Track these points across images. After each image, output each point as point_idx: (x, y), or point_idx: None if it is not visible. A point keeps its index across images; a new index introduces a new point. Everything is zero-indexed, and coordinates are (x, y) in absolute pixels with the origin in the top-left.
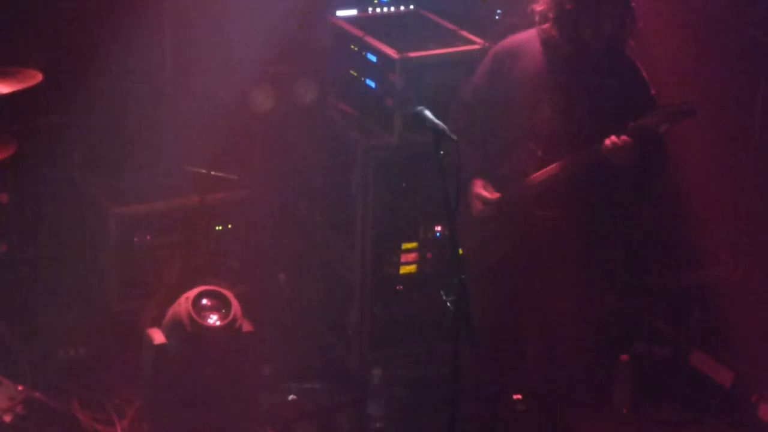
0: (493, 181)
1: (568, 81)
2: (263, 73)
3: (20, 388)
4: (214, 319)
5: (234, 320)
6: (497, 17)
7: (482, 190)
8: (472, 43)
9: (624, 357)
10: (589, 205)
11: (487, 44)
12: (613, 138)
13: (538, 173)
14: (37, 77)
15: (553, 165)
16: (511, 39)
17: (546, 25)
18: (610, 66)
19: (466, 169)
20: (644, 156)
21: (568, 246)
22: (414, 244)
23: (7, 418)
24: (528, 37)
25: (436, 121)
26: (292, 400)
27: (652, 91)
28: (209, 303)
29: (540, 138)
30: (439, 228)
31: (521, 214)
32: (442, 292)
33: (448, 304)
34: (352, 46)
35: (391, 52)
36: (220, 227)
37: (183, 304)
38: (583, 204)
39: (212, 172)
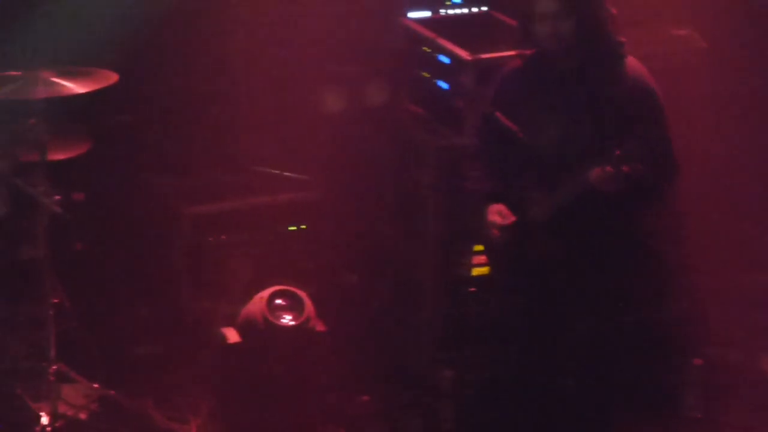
0: (506, 204)
1: (570, 99)
2: (335, 74)
3: (95, 386)
4: (287, 319)
5: (307, 320)
6: None
7: (497, 217)
8: None
9: (697, 361)
10: (599, 227)
11: None
12: (598, 170)
13: (538, 204)
14: (113, 77)
15: (549, 195)
16: (517, 60)
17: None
18: (611, 76)
19: (480, 192)
20: (638, 178)
21: (588, 268)
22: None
23: (83, 416)
24: (530, 58)
25: (507, 123)
26: (363, 400)
27: (660, 99)
28: (283, 303)
29: (546, 160)
30: None
31: (533, 240)
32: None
33: (520, 305)
34: (425, 48)
35: (463, 53)
36: (294, 227)
37: (257, 303)
38: (592, 227)
39: (284, 173)
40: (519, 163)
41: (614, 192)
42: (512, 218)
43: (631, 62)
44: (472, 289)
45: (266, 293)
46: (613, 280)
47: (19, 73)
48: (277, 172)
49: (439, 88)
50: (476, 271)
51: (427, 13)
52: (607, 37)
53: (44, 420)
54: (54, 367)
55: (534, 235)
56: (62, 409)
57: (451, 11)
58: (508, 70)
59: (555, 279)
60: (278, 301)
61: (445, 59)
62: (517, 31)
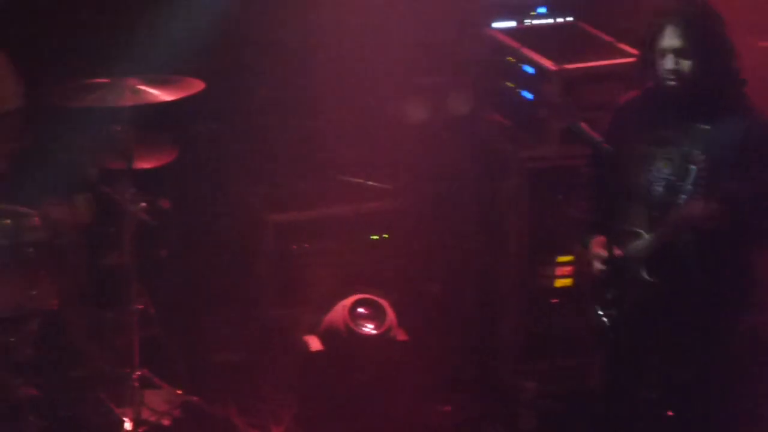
0: (609, 237)
1: (683, 135)
2: (417, 84)
3: (178, 392)
4: (369, 328)
5: (389, 329)
6: None
7: (601, 249)
8: (630, 55)
9: None
10: (698, 266)
11: None
12: (698, 206)
13: (639, 241)
14: (199, 85)
15: (652, 231)
16: (633, 91)
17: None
18: (730, 116)
19: (585, 224)
20: (741, 218)
21: (683, 306)
22: (570, 257)
23: (166, 422)
24: (648, 90)
25: (592, 134)
26: (445, 410)
27: None
28: (365, 311)
29: (654, 195)
30: None
31: (632, 277)
32: (597, 308)
33: (604, 318)
34: (509, 58)
35: (547, 63)
36: (376, 236)
37: (339, 311)
38: (691, 266)
39: (368, 182)
40: (627, 196)
41: (714, 230)
42: (618, 251)
43: (754, 103)
44: (555, 300)
45: (349, 302)
46: (709, 312)
47: (107, 80)
48: (360, 181)
49: (524, 98)
50: (559, 283)
51: (511, 23)
52: (730, 76)
53: (127, 425)
54: (138, 373)
55: (632, 272)
56: (145, 414)
57: (536, 21)
58: (625, 101)
59: (650, 314)
60: (360, 310)
61: (529, 69)
62: (637, 62)
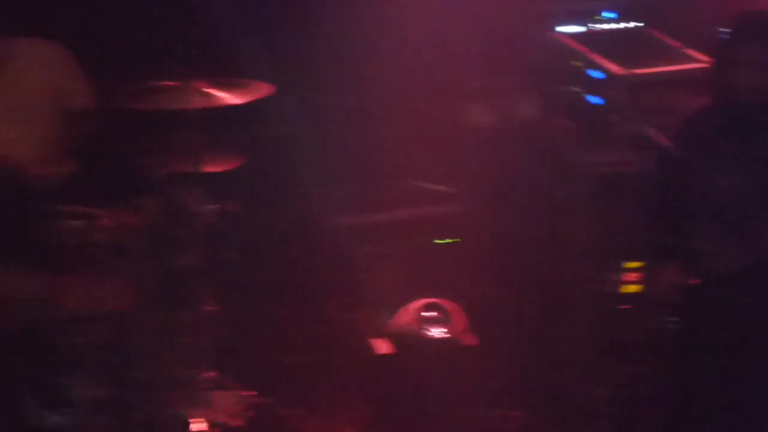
0: (680, 257)
1: (759, 148)
2: (484, 88)
3: (249, 394)
4: (438, 332)
5: (458, 333)
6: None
7: (676, 277)
8: (697, 61)
9: None
10: None
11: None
12: None
13: (723, 256)
14: (269, 89)
15: (741, 246)
16: (705, 99)
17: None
18: None
19: (653, 243)
20: None
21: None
22: (638, 264)
23: (236, 424)
24: (721, 99)
25: (660, 140)
26: (514, 415)
27: None
28: (434, 315)
29: (726, 212)
30: None
31: (712, 295)
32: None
33: (672, 326)
34: (575, 62)
35: (615, 68)
36: (442, 240)
37: (408, 315)
38: None
39: (435, 186)
40: (697, 208)
41: None
42: (692, 279)
43: None
44: (625, 306)
45: (417, 305)
46: None
47: (176, 83)
48: (427, 184)
49: (590, 102)
50: (626, 289)
51: (577, 28)
52: None
53: (197, 427)
54: (207, 375)
55: (714, 291)
56: (215, 416)
57: (603, 26)
58: (696, 110)
59: (725, 325)
60: (429, 314)
61: (596, 74)
62: (711, 71)
